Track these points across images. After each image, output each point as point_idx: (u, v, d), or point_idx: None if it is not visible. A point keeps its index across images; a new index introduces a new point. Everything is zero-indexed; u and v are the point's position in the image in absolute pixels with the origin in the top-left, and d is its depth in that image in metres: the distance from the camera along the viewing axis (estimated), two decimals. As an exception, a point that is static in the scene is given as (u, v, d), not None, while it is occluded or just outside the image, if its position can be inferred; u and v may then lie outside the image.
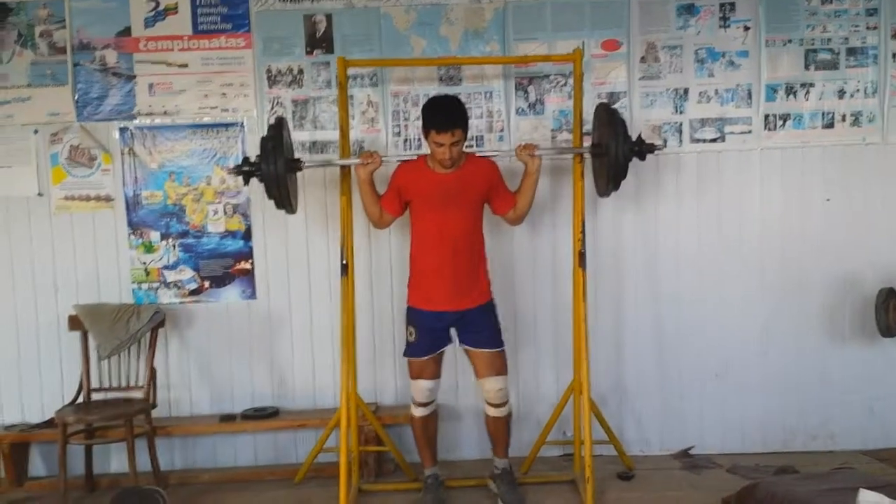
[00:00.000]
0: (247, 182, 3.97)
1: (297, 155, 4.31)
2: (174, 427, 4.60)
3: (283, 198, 3.92)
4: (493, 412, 4.07)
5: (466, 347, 4.06)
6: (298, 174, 4.21)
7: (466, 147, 4.66)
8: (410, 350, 4.06)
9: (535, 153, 4.00)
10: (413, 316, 4.07)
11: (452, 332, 4.04)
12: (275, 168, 3.79)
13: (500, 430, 4.12)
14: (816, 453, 4.74)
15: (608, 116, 3.95)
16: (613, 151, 3.84)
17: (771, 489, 3.37)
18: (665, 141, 4.53)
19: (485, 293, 4.08)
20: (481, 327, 4.04)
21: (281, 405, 4.76)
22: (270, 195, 3.92)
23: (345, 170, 4.18)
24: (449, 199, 3.93)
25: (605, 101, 4.51)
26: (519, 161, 4.04)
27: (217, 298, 4.74)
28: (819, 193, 4.74)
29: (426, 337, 4.02)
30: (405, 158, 4.12)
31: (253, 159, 3.89)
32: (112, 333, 4.45)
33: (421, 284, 4.04)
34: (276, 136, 3.88)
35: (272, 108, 4.68)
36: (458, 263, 3.97)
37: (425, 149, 4.63)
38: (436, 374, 4.07)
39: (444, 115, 3.82)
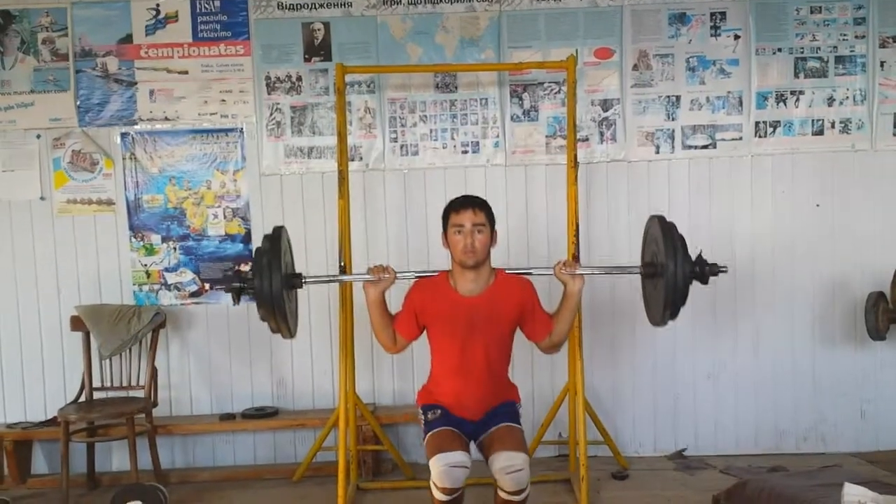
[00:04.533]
0: (236, 301, 3.41)
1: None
2: (175, 426, 4.65)
3: (280, 322, 3.37)
4: (507, 497, 3.25)
5: (480, 440, 3.40)
6: (294, 168, 3.91)
7: (461, 152, 4.77)
8: (434, 424, 3.37)
9: (576, 271, 3.47)
10: (430, 406, 3.47)
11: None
12: (270, 286, 3.27)
13: None
14: (808, 455, 4.80)
15: (664, 233, 3.34)
16: (672, 273, 3.24)
17: (759, 486, 3.43)
18: (725, 267, 3.43)
19: (510, 396, 3.54)
20: (498, 414, 3.43)
21: (280, 405, 4.83)
22: (264, 318, 3.39)
23: (343, 172, 4.23)
24: (474, 327, 3.38)
25: (659, 214, 3.54)
26: (558, 280, 3.49)
27: (217, 300, 4.80)
28: (809, 199, 4.81)
29: (451, 419, 3.40)
30: (424, 274, 3.60)
31: (246, 272, 3.44)
32: (114, 334, 4.50)
33: (438, 400, 3.47)
34: (273, 248, 3.38)
35: (271, 114, 4.75)
36: (482, 391, 3.42)
37: (421, 155, 4.75)
38: (465, 448, 3.27)
39: (463, 197, 3.43)
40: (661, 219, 3.43)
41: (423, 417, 3.45)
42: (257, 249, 3.42)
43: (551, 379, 4.77)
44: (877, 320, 4.57)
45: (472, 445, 3.42)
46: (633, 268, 3.60)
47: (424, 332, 3.53)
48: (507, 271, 3.54)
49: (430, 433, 3.33)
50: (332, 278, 4.03)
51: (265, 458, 4.87)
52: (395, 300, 3.58)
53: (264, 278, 3.26)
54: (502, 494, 3.23)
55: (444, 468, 3.14)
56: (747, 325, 4.85)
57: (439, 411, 3.42)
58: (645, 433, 4.89)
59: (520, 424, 3.43)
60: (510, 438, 3.27)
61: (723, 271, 3.36)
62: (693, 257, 3.32)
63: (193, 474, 4.72)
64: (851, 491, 2.93)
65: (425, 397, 3.53)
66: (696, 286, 3.33)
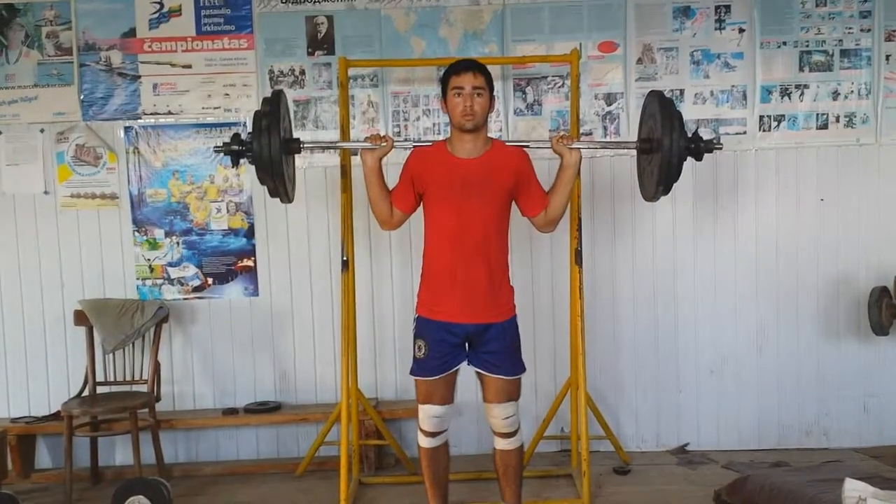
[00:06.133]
0: (235, 164, 3.46)
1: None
2: (178, 420, 4.66)
3: (278, 184, 3.43)
4: (501, 444, 3.50)
5: (478, 371, 3.48)
6: (298, 163, 3.92)
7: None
8: (418, 368, 3.46)
9: (573, 144, 3.49)
10: (421, 327, 3.48)
11: (467, 346, 3.49)
12: (269, 148, 3.28)
13: (509, 465, 3.53)
14: (811, 450, 4.80)
15: (661, 107, 3.38)
16: (668, 148, 3.29)
17: (760, 481, 3.43)
18: (719, 138, 3.64)
19: (506, 309, 3.50)
20: (498, 349, 3.44)
21: (283, 399, 4.84)
22: (262, 180, 3.44)
23: (346, 167, 4.22)
24: (470, 189, 3.37)
25: (658, 90, 3.65)
26: (554, 153, 3.53)
27: (220, 295, 4.81)
28: (813, 193, 4.79)
29: (436, 352, 3.42)
30: (421, 144, 3.64)
31: (245, 136, 3.40)
32: (117, 328, 4.52)
33: (431, 288, 3.48)
34: (272, 111, 3.38)
35: (275, 108, 4.75)
36: (475, 267, 3.39)
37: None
38: (447, 398, 3.47)
39: (464, 60, 3.45)
40: (659, 94, 3.48)
41: (413, 344, 3.50)
42: (256, 112, 3.42)
43: (553, 374, 4.78)
44: (880, 315, 4.57)
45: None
46: (629, 143, 3.67)
47: (421, 208, 3.54)
48: (505, 142, 3.59)
49: (416, 377, 3.49)
50: (330, 145, 4.15)
51: (268, 453, 4.88)
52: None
53: (263, 141, 3.28)
54: (497, 443, 3.53)
55: (426, 417, 3.48)
56: (751, 320, 4.84)
57: (425, 347, 3.44)
58: (647, 428, 4.89)
59: (519, 369, 3.51)
60: (508, 389, 3.47)
61: (717, 148, 3.43)
62: (689, 134, 3.37)
63: (197, 469, 4.73)
64: (852, 486, 2.92)
65: (421, 301, 3.54)
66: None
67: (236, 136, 3.39)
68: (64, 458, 4.27)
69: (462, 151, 3.42)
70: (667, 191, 3.50)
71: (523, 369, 3.53)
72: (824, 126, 4.76)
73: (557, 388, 4.61)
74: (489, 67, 4.60)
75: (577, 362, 4.20)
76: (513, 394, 3.46)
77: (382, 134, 3.51)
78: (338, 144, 4.09)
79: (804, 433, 4.87)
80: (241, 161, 3.47)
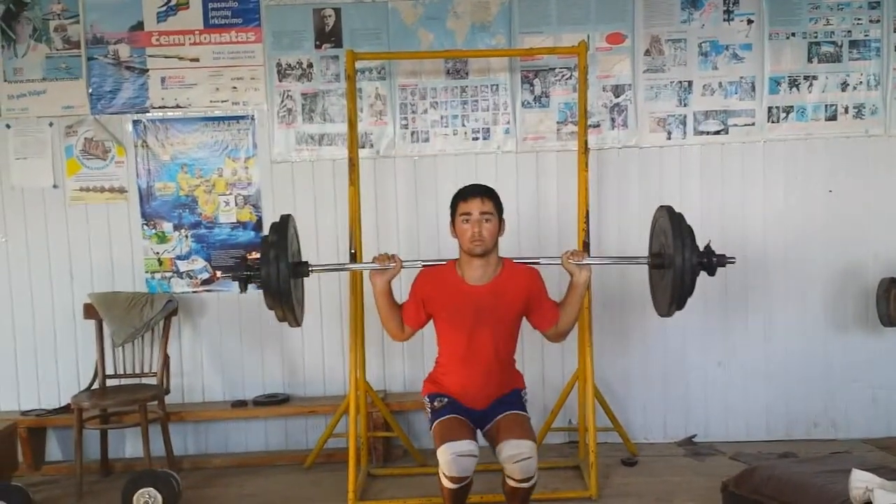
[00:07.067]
0: (244, 289, 3.43)
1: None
2: (187, 413, 4.69)
3: (286, 310, 3.38)
4: (515, 484, 3.28)
5: (487, 429, 3.40)
6: (306, 156, 3.92)
7: (472, 139, 4.76)
8: (440, 412, 3.38)
9: (583, 261, 3.46)
10: (436, 394, 3.47)
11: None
12: (277, 276, 3.26)
13: (519, 496, 3.34)
14: (819, 441, 4.79)
15: (671, 223, 3.35)
16: (680, 266, 3.25)
17: (768, 472, 3.42)
18: (733, 259, 3.43)
19: (516, 384, 3.56)
20: (503, 402, 3.44)
21: (292, 392, 4.86)
22: (270, 306, 3.39)
23: (353, 159, 4.23)
24: (481, 316, 3.36)
25: (668, 205, 3.55)
26: (565, 270, 3.49)
27: (229, 288, 4.81)
28: (822, 185, 4.78)
29: (456, 406, 3.40)
30: (430, 263, 3.58)
31: (252, 259, 3.36)
32: (126, 321, 4.53)
33: (444, 386, 3.48)
34: (280, 237, 3.37)
35: (282, 102, 4.75)
36: (488, 382, 3.43)
37: (432, 142, 4.75)
38: (473, 437, 3.28)
39: (471, 186, 3.43)
40: (669, 209, 3.44)
41: (429, 406, 3.46)
42: (263, 238, 3.42)
43: (561, 366, 4.78)
44: (888, 307, 4.57)
45: (479, 435, 3.41)
46: (641, 258, 3.60)
47: (431, 320, 3.52)
48: (514, 261, 3.52)
49: (436, 421, 3.35)
50: (338, 267, 4.08)
51: (277, 445, 4.90)
52: (405, 287, 3.59)
53: (271, 269, 3.26)
54: (511, 483, 3.26)
55: (451, 457, 3.16)
56: (758, 312, 4.84)
57: (445, 399, 3.42)
58: (655, 420, 4.89)
59: (526, 411, 3.45)
60: (517, 426, 3.29)
61: (730, 262, 3.36)
62: (701, 248, 3.29)
63: (206, 461, 4.76)
64: (859, 477, 2.93)
65: (431, 387, 3.52)
66: (704, 275, 3.35)
67: (244, 259, 3.34)
68: (74, 450, 4.30)
69: (472, 278, 3.41)
70: (681, 307, 3.42)
71: (527, 413, 3.44)
72: (833, 117, 4.74)
73: (565, 379, 4.62)
74: (496, 60, 4.65)
75: (585, 354, 4.21)
76: (526, 432, 3.27)
77: (391, 254, 3.46)
78: (346, 266, 4.10)
79: (812, 424, 4.87)
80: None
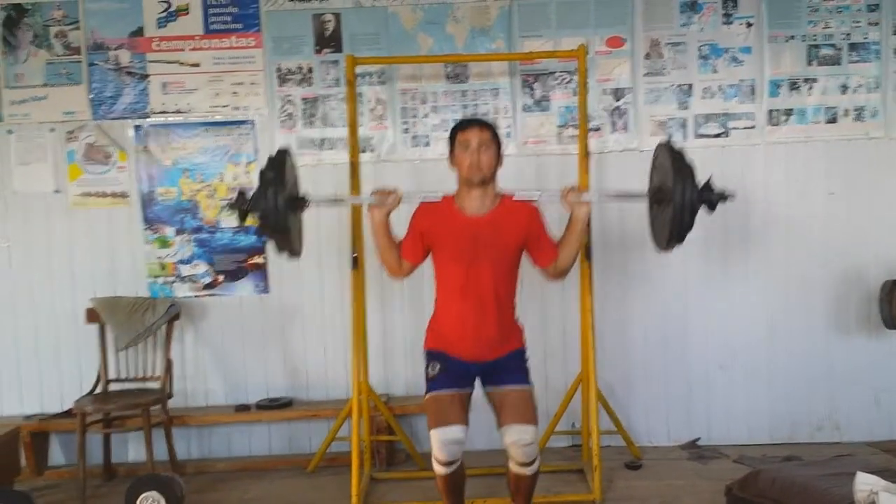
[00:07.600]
0: (242, 221, 3.43)
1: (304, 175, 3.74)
2: (190, 417, 4.69)
3: (284, 240, 3.36)
4: (518, 469, 3.35)
5: (489, 391, 3.44)
6: (308, 160, 3.97)
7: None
8: (433, 384, 3.40)
9: (583, 197, 3.45)
10: (433, 356, 3.47)
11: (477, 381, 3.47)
12: (274, 205, 3.23)
13: (522, 487, 3.42)
14: (822, 444, 4.78)
15: (672, 159, 3.32)
16: (679, 200, 3.22)
17: (771, 475, 3.43)
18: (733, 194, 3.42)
19: (516, 342, 3.53)
20: (508, 367, 3.44)
21: (294, 396, 4.86)
22: (268, 236, 3.42)
23: (355, 164, 4.25)
24: (480, 247, 3.34)
25: (667, 139, 3.64)
26: (564, 207, 3.46)
27: (231, 292, 4.83)
28: (823, 188, 4.78)
29: (451, 372, 3.39)
30: (428, 198, 3.54)
31: (250, 194, 3.31)
32: (129, 326, 4.55)
33: (442, 333, 3.47)
34: (277, 168, 3.33)
35: (282, 106, 4.76)
36: (485, 317, 3.38)
37: (433, 146, 4.75)
38: (463, 419, 3.33)
39: (471, 119, 3.50)
40: (669, 146, 3.41)
41: (425, 368, 3.46)
42: (262, 171, 3.34)
43: (564, 369, 4.77)
44: (891, 309, 4.55)
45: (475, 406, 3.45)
46: (641, 195, 3.58)
47: (429, 257, 3.50)
48: (514, 196, 3.49)
49: (429, 394, 3.39)
50: (337, 199, 4.09)
51: (280, 449, 4.90)
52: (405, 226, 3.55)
53: (269, 199, 3.23)
54: (514, 468, 3.35)
55: (440, 443, 3.25)
56: (761, 315, 4.83)
57: (439, 365, 3.41)
58: (658, 423, 4.89)
59: (529, 380, 3.45)
60: (522, 406, 3.32)
61: (730, 198, 3.34)
62: (701, 184, 3.29)
63: (209, 465, 4.76)
64: (864, 480, 2.93)
65: (430, 341, 3.52)
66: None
67: (241, 193, 3.32)
68: (77, 454, 4.29)
69: (470, 208, 3.40)
70: (680, 241, 3.38)
71: (531, 384, 3.45)
72: (833, 120, 4.75)
73: (568, 383, 4.61)
74: (496, 64, 4.66)
75: (588, 357, 4.21)
76: (529, 415, 3.31)
77: (390, 188, 3.45)
78: (346, 199, 4.15)
79: (816, 427, 4.87)
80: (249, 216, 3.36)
